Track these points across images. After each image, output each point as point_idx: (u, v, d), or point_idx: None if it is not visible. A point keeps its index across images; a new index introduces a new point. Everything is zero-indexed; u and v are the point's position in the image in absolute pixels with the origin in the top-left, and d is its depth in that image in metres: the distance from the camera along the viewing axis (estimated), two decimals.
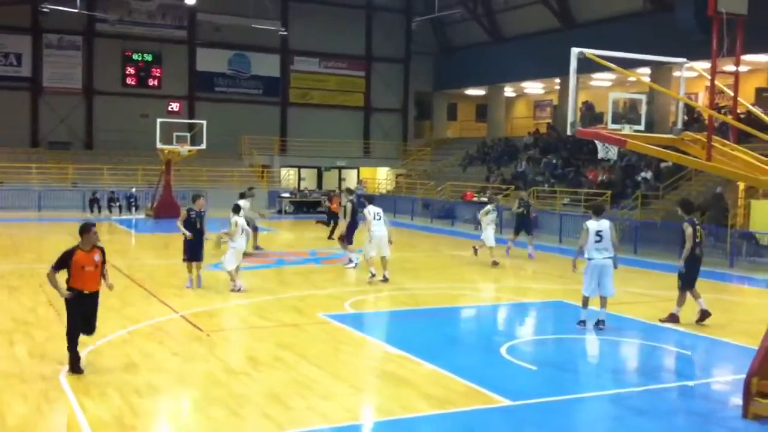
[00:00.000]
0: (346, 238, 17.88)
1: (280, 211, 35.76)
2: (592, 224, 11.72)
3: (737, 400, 7.98)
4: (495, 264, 18.62)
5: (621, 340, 11.42)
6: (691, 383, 9.23)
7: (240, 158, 40.94)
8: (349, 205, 17.95)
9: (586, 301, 11.81)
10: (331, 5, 42.55)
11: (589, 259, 11.68)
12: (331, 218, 24.72)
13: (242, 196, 19.39)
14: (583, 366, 10.35)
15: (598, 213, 12.00)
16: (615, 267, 11.78)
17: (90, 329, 9.02)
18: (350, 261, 17.65)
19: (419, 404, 8.10)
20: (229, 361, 9.61)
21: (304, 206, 36.82)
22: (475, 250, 19.70)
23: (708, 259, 20.51)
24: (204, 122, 31.71)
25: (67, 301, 8.81)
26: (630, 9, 32.50)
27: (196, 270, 14.55)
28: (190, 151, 31.06)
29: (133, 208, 33.33)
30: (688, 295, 12.49)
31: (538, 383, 9.08)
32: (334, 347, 10.47)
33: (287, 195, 37.38)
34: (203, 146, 31.30)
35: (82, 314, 8.83)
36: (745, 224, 22.09)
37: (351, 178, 44.95)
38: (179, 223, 14.54)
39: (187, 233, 14.27)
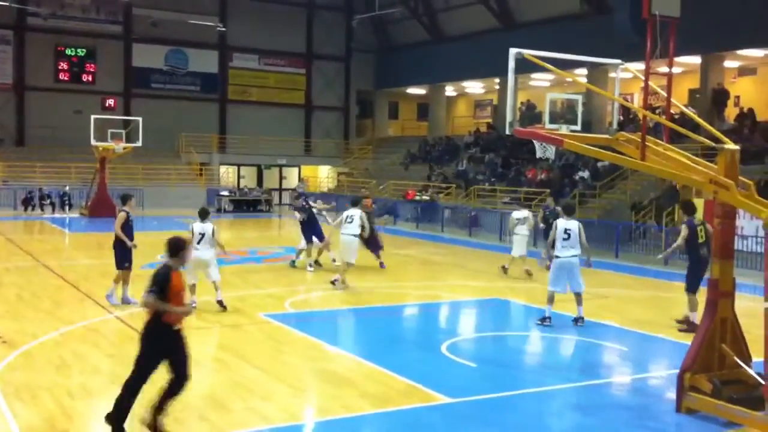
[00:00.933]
0: (305, 237, 17.13)
1: (219, 210, 35.32)
2: (562, 222, 11.99)
3: (671, 395, 8.16)
4: (529, 274, 16.88)
5: (559, 336, 11.58)
6: (627, 379, 9.42)
7: (177, 156, 40.28)
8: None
9: (551, 298, 11.98)
10: (271, 2, 42.17)
11: (557, 256, 11.91)
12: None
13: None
14: (522, 362, 10.46)
15: (569, 212, 12.36)
16: (589, 266, 12.25)
17: (183, 378, 6.97)
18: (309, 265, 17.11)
19: (359, 403, 8.07)
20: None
21: (244, 205, 36.44)
22: (504, 269, 17.36)
23: (643, 256, 21.12)
24: (140, 119, 31.11)
25: (149, 338, 6.87)
26: (568, 11, 33.04)
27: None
28: (125, 148, 30.46)
29: (67, 207, 32.50)
30: (694, 297, 12.19)
31: (477, 380, 9.15)
32: (274, 347, 10.36)
33: (226, 193, 36.95)
34: (139, 144, 30.71)
35: (166, 357, 6.90)
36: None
37: (292, 177, 44.66)
38: (119, 229, 12.64)
39: (129, 242, 12.70)
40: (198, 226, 12.65)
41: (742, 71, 31.30)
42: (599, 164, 27.28)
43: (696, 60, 28.54)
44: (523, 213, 17.60)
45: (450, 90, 44.86)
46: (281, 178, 44.46)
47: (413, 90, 46.35)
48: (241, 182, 42.60)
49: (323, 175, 45.25)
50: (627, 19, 26.60)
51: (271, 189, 41.20)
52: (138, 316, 11.87)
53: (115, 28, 39.72)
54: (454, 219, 29.43)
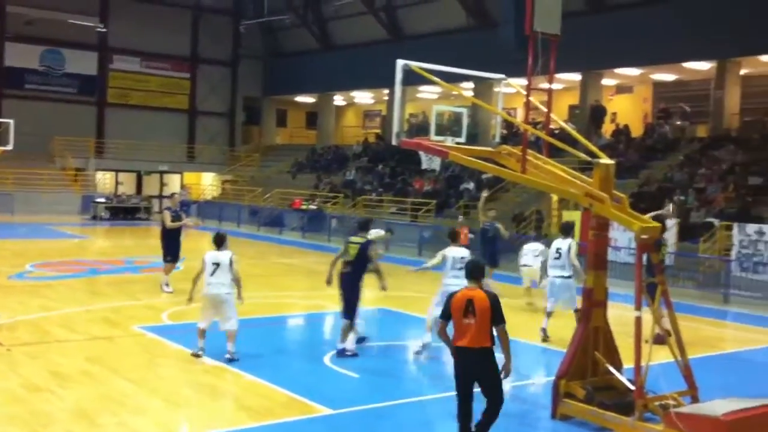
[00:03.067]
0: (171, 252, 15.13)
1: (94, 217, 33.92)
2: (556, 242, 12.10)
3: (547, 401, 8.32)
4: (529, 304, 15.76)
5: (442, 346, 11.64)
6: (506, 387, 9.54)
7: (52, 160, 38.39)
8: (166, 214, 15.29)
9: (548, 315, 12.18)
10: (155, 3, 40.92)
11: (548, 275, 12.13)
12: None
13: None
14: (404, 372, 10.47)
15: (566, 232, 12.25)
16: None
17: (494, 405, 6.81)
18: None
19: (238, 416, 7.85)
20: (32, 378, 8.87)
21: (122, 212, 35.11)
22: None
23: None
24: (11, 121, 29.43)
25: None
26: (456, 24, 33.70)
27: None
28: None
29: None
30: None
31: (359, 391, 9.08)
32: (148, 360, 9.94)
33: (103, 200, 35.47)
34: (10, 147, 29.06)
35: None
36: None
37: (174, 184, 43.41)
38: None
39: None
40: (211, 255, 10.20)
41: (619, 89, 32.84)
42: (483, 176, 27.87)
43: (576, 77, 29.69)
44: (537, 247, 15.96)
45: (339, 99, 44.89)
46: (162, 184, 43.11)
47: (302, 98, 46.09)
48: (119, 189, 41.00)
49: (207, 183, 44.25)
50: (511, 35, 27.40)
51: (151, 196, 39.87)
52: (3, 328, 11.19)
53: None
54: (341, 229, 29.35)
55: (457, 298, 6.80)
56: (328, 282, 10.77)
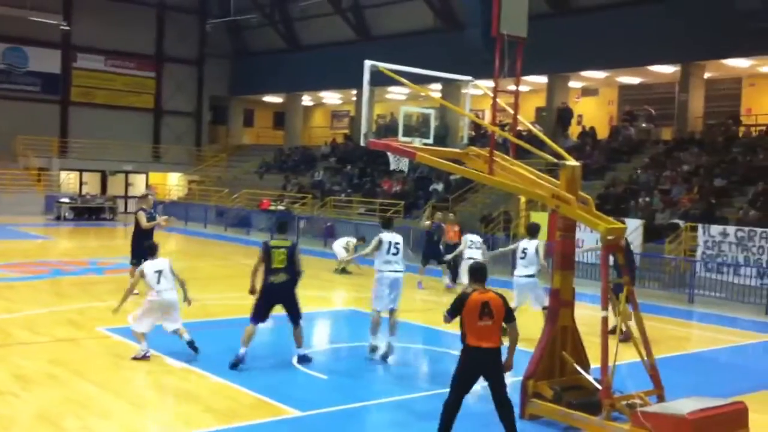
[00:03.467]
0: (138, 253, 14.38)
1: (58, 218, 33.40)
2: (523, 242, 12.27)
3: (515, 401, 8.34)
4: None
5: (411, 346, 11.66)
6: (476, 387, 9.57)
7: (15, 160, 37.71)
8: (141, 215, 14.89)
9: None
10: (120, 1, 40.36)
11: (516, 275, 12.22)
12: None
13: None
14: (373, 373, 10.42)
15: (532, 233, 12.40)
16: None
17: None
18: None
19: (204, 419, 7.76)
20: None
21: (86, 212, 34.62)
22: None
23: (492, 267, 21.74)
24: None
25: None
26: (423, 26, 33.78)
27: None
28: None
29: None
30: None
31: (328, 392, 9.03)
32: (113, 362, 9.80)
33: (67, 200, 34.93)
34: None
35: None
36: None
37: (139, 184, 42.91)
38: None
39: None
40: (151, 265, 10.14)
41: (585, 91, 33.17)
42: (452, 177, 27.98)
43: (543, 79, 29.91)
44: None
45: (307, 99, 44.75)
46: (127, 184, 42.57)
47: (269, 98, 45.86)
48: (84, 188, 40.42)
49: (173, 183, 43.81)
50: (478, 36, 27.55)
51: (116, 196, 39.36)
52: None
53: None
54: (309, 229, 29.27)
55: (472, 300, 6.98)
56: (252, 292, 10.09)
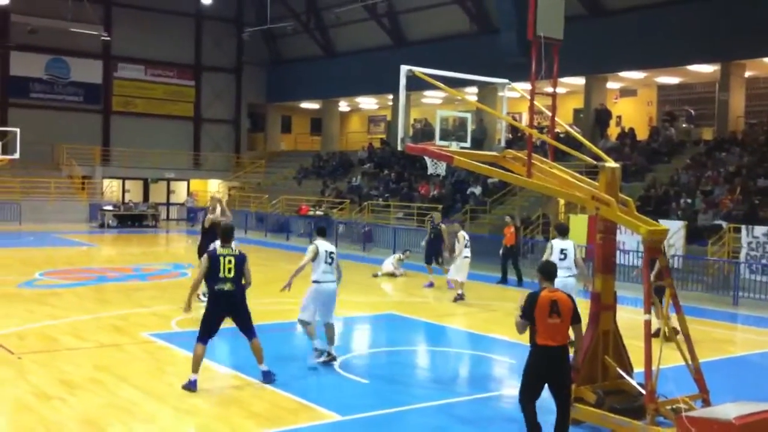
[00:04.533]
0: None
1: (102, 225, 33.97)
2: (558, 243, 11.79)
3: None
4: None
5: (451, 350, 11.65)
6: (516, 391, 9.53)
7: (58, 168, 38.51)
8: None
9: None
10: (158, 12, 40.98)
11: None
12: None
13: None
14: (413, 377, 10.43)
15: (563, 233, 12.04)
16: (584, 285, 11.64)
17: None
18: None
19: (246, 423, 7.83)
20: (41, 385, 8.89)
21: (129, 219, 35.19)
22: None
23: (530, 271, 21.63)
24: (17, 130, 29.62)
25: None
26: (458, 30, 33.72)
27: None
28: (1, 160, 28.96)
29: None
30: None
31: (369, 396, 9.05)
32: (157, 368, 9.95)
33: (110, 208, 35.55)
34: (16, 156, 29.28)
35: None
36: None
37: (180, 191, 43.50)
38: None
39: None
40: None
41: (624, 92, 32.81)
42: (489, 180, 27.88)
43: (580, 81, 29.66)
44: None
45: (344, 105, 44.94)
46: (169, 192, 43.22)
47: (306, 104, 46.15)
48: (126, 196, 41.13)
49: (213, 189, 44.31)
50: (513, 39, 27.48)
51: (158, 203, 39.97)
52: (14, 336, 11.21)
53: None
54: (347, 234, 29.38)
55: (543, 298, 7.03)
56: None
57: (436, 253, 18.88)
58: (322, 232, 10.71)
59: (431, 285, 18.17)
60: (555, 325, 6.98)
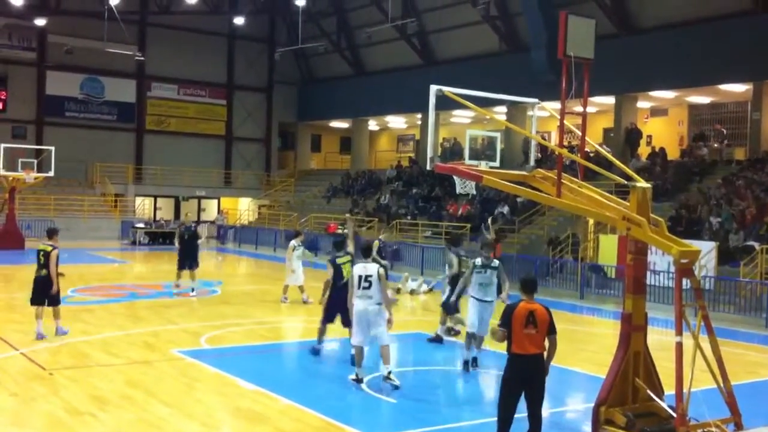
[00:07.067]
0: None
1: (134, 242, 34.36)
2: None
3: (587, 428, 8.21)
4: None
5: (479, 371, 11.58)
6: (545, 413, 9.45)
7: (91, 186, 39.11)
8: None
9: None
10: (192, 32, 41.60)
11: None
12: None
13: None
14: (441, 397, 10.39)
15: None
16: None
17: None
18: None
19: None
20: (73, 401, 9.01)
21: (160, 237, 35.55)
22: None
23: (560, 290, 21.53)
24: (52, 148, 30.17)
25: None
26: (488, 49, 33.77)
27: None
28: (36, 178, 29.45)
29: None
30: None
31: (397, 416, 9.04)
32: (186, 384, 10.02)
33: (142, 225, 35.98)
34: (51, 173, 29.77)
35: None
36: (594, 257, 23.20)
37: (211, 209, 43.92)
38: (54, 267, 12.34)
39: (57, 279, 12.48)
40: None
41: (654, 112, 32.56)
42: (518, 200, 27.78)
43: (610, 100, 29.52)
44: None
45: (373, 124, 45.13)
46: (200, 209, 43.65)
47: (336, 123, 46.43)
48: (158, 214, 41.61)
49: (243, 207, 44.68)
50: (544, 58, 27.45)
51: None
52: (46, 352, 11.39)
53: (28, 55, 38.51)
54: (376, 252, 29.34)
55: (520, 309, 7.37)
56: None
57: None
58: (367, 252, 10.63)
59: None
60: (531, 336, 7.29)
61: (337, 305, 11.60)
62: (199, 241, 18.66)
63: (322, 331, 12.04)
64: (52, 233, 12.87)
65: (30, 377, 10.06)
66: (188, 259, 18.02)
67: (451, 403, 10.10)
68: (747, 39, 24.57)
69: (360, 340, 10.27)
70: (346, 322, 11.43)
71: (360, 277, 10.16)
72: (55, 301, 12.53)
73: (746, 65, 24.76)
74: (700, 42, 25.79)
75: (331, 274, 11.74)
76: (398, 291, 19.90)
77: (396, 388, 9.88)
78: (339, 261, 11.82)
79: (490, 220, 20.26)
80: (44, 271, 12.41)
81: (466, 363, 11.38)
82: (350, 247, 12.53)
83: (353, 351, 10.54)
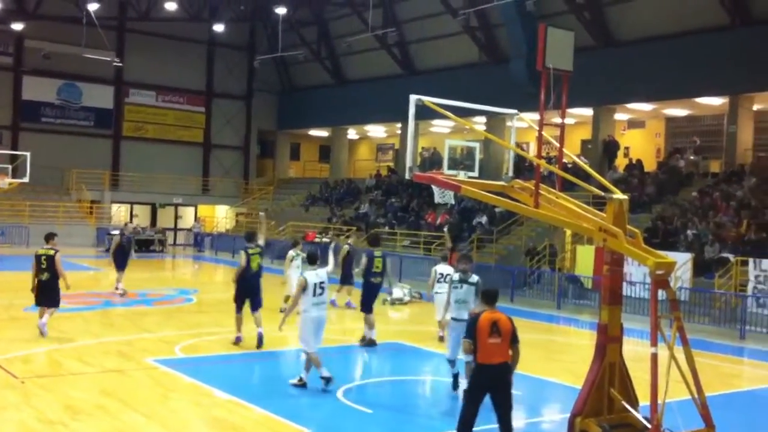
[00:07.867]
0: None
1: (108, 250, 33.95)
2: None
3: None
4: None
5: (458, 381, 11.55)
6: (521, 423, 9.45)
7: (67, 192, 38.73)
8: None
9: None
10: (171, 38, 41.35)
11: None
12: None
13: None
14: (417, 408, 10.37)
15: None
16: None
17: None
18: None
19: None
20: (45, 411, 8.87)
21: (136, 244, 35.16)
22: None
23: (537, 301, 21.61)
24: (28, 154, 29.84)
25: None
26: (468, 60, 33.93)
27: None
28: (11, 184, 29.12)
29: None
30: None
31: (373, 426, 9.00)
32: (161, 394, 9.91)
33: (117, 232, 35.53)
34: (26, 179, 29.44)
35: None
36: (571, 268, 23.32)
37: (188, 216, 43.64)
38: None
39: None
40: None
41: (632, 124, 32.87)
42: (496, 210, 27.87)
43: (588, 112, 29.75)
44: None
45: (352, 133, 45.14)
46: (176, 217, 43.36)
47: (315, 132, 46.38)
48: (134, 221, 41.23)
49: (221, 215, 44.44)
50: (523, 69, 27.63)
51: (166, 228, 40.06)
52: (18, 361, 11.21)
53: (4, 60, 38.12)
54: (343, 257, 29.23)
55: (483, 319, 7.47)
56: None
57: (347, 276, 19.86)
58: (313, 260, 10.78)
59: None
60: (495, 345, 7.40)
61: (246, 292, 12.91)
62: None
63: (239, 320, 13.08)
64: (49, 237, 13.55)
65: (2, 386, 9.90)
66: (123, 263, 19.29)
67: (428, 413, 10.06)
68: (724, 53, 24.88)
69: (314, 346, 10.43)
70: (255, 307, 13.02)
71: (315, 284, 10.24)
72: (55, 303, 13.18)
73: (723, 79, 25.06)
74: (677, 55, 26.08)
75: (244, 261, 12.77)
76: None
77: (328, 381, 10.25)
78: (251, 252, 12.93)
79: (446, 228, 20.16)
80: (46, 275, 12.96)
81: (455, 378, 10.85)
82: (261, 241, 13.66)
83: (304, 357, 10.58)
